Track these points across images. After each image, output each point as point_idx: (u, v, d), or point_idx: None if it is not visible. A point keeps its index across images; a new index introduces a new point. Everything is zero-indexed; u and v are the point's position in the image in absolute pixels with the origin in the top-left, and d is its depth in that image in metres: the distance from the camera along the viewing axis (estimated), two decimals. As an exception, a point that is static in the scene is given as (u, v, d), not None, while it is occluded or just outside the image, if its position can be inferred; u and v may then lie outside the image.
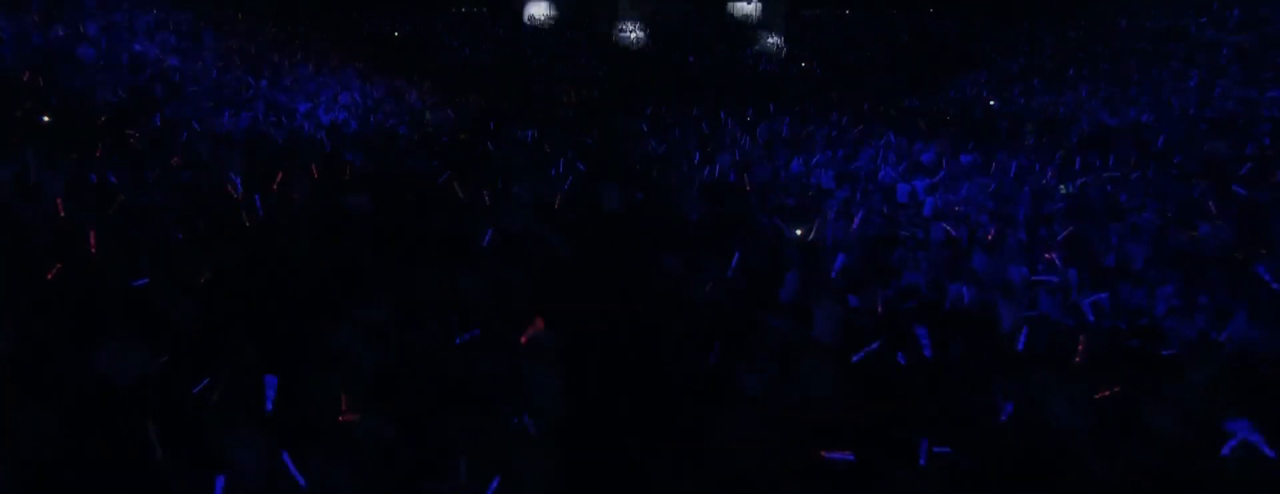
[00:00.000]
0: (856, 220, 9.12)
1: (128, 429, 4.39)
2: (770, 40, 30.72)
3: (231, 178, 9.46)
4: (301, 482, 4.02)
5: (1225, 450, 4.32)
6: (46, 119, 11.35)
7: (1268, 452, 4.26)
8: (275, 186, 9.46)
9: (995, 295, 6.71)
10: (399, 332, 5.73)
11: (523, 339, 5.77)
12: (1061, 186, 10.35)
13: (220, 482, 3.85)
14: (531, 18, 28.10)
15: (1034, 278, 7.13)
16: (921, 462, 4.31)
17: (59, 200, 7.85)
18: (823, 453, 4.53)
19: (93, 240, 7.05)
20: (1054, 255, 7.61)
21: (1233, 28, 20.98)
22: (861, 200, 10.73)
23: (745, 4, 30.83)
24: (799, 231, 8.56)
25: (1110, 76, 20.85)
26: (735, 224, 9.46)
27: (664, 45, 29.12)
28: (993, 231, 8.57)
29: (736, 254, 7.01)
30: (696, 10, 30.57)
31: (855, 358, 5.22)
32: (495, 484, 3.99)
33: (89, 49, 13.86)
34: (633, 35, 28.67)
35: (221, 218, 8.44)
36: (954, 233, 8.76)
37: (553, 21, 28.46)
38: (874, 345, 5.24)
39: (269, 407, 4.64)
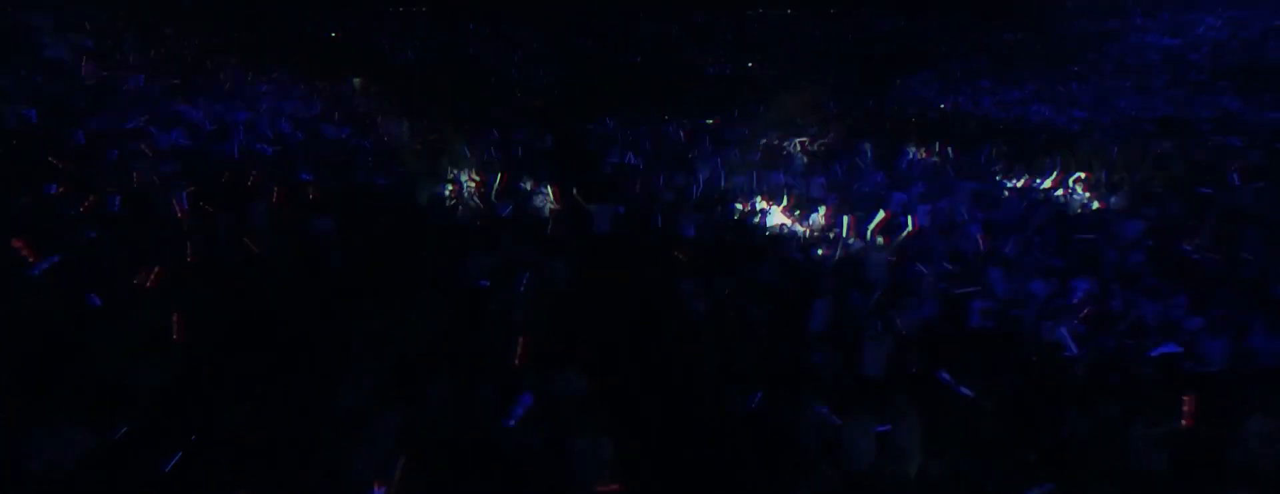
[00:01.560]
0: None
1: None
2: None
3: (179, 204, 8.46)
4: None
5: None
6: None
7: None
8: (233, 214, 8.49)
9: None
10: (427, 401, 5.07)
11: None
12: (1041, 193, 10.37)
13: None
14: None
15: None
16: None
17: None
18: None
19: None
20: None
21: (1164, 31, 22.04)
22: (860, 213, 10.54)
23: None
24: (821, 251, 8.24)
25: (1055, 78, 21.54)
26: (739, 244, 9.11)
27: (611, 47, 28.63)
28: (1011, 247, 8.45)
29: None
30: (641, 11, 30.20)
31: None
32: None
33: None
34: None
35: (173, 254, 7.52)
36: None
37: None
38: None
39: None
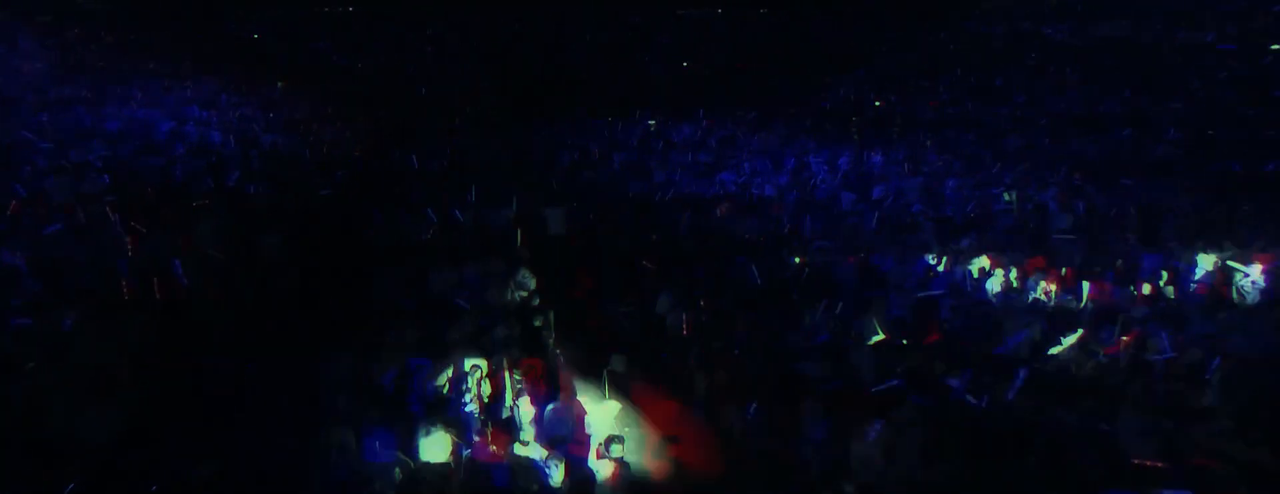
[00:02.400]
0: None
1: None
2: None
3: (116, 231, 7.83)
4: None
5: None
6: None
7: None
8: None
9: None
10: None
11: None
12: (1006, 195, 10.86)
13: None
14: None
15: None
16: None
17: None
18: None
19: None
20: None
21: (1076, 33, 23.45)
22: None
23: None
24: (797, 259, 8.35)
25: (982, 77, 22.56)
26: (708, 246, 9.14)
27: (548, 49, 28.28)
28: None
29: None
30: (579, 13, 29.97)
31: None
32: None
33: None
34: None
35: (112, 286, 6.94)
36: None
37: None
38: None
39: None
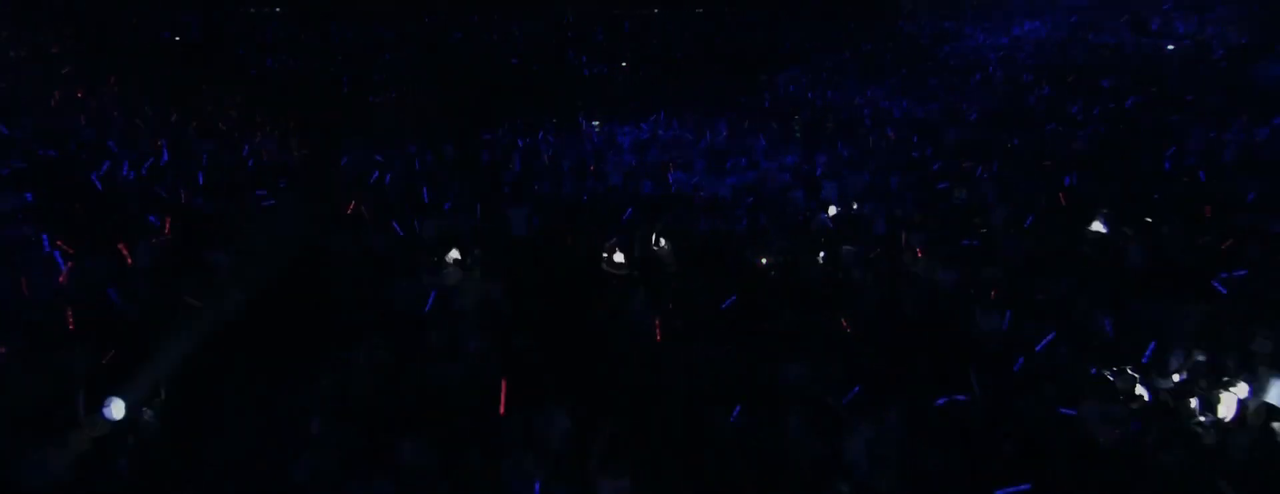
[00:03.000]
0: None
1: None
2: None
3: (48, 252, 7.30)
4: None
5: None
6: None
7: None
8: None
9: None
10: None
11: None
12: (956, 192, 11.30)
13: None
14: None
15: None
16: None
17: None
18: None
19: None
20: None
21: (994, 32, 24.59)
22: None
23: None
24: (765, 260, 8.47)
25: (910, 75, 23.41)
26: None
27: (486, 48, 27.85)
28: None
29: None
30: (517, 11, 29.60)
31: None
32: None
33: None
34: None
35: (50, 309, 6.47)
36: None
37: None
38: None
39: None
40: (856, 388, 5.41)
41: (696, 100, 23.23)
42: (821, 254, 8.89)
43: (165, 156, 11.84)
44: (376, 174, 12.20)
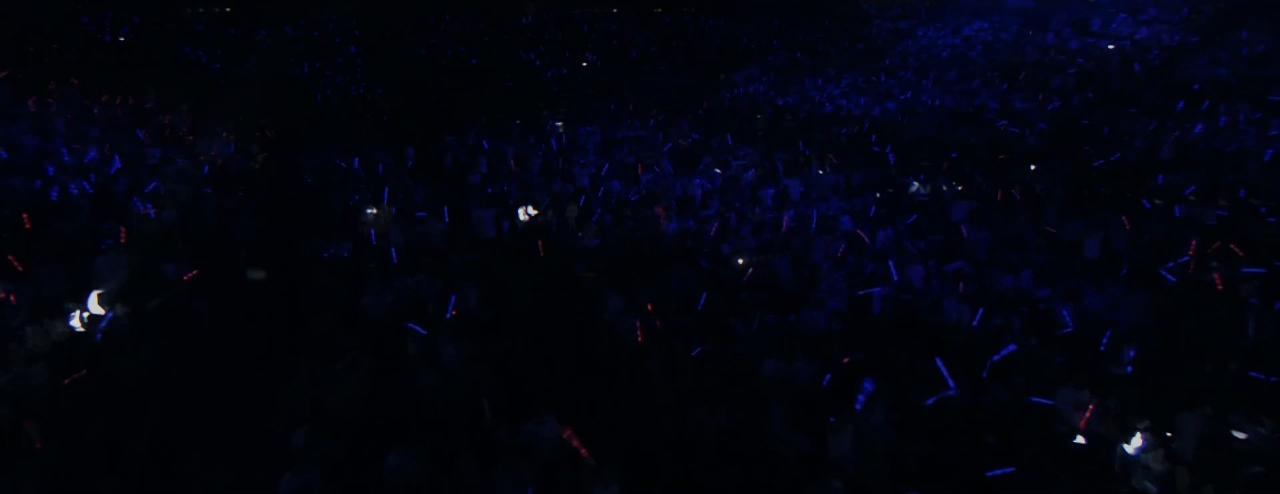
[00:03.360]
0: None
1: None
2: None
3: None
4: None
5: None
6: None
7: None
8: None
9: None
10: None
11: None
12: (915, 185, 11.61)
13: None
14: None
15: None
16: None
17: None
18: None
19: None
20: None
21: (947, 31, 25.29)
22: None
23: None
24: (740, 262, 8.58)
25: (865, 73, 23.89)
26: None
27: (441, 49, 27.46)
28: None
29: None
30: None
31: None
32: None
33: None
34: None
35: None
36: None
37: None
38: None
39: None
40: (870, 384, 5.50)
41: (658, 99, 23.39)
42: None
43: (116, 164, 11.40)
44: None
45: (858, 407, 5.11)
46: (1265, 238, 9.67)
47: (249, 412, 5.43)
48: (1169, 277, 8.07)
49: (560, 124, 20.88)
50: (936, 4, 28.56)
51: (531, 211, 9.07)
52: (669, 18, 34.14)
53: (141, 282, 7.42)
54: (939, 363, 5.52)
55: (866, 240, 9.47)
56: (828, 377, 5.99)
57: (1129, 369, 6.53)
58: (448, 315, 6.89)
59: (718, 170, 13.81)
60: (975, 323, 6.93)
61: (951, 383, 5.40)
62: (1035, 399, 5.76)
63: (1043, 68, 21.16)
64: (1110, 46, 21.71)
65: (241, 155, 13.13)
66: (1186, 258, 9.01)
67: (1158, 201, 11.17)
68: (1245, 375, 6.19)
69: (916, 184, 11.73)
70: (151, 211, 9.28)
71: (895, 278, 8.20)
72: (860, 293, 7.69)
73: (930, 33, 26.84)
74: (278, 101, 17.89)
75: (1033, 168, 13.58)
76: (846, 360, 5.49)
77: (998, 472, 4.56)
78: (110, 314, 6.51)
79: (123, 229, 8.33)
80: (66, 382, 5.74)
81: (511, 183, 13.22)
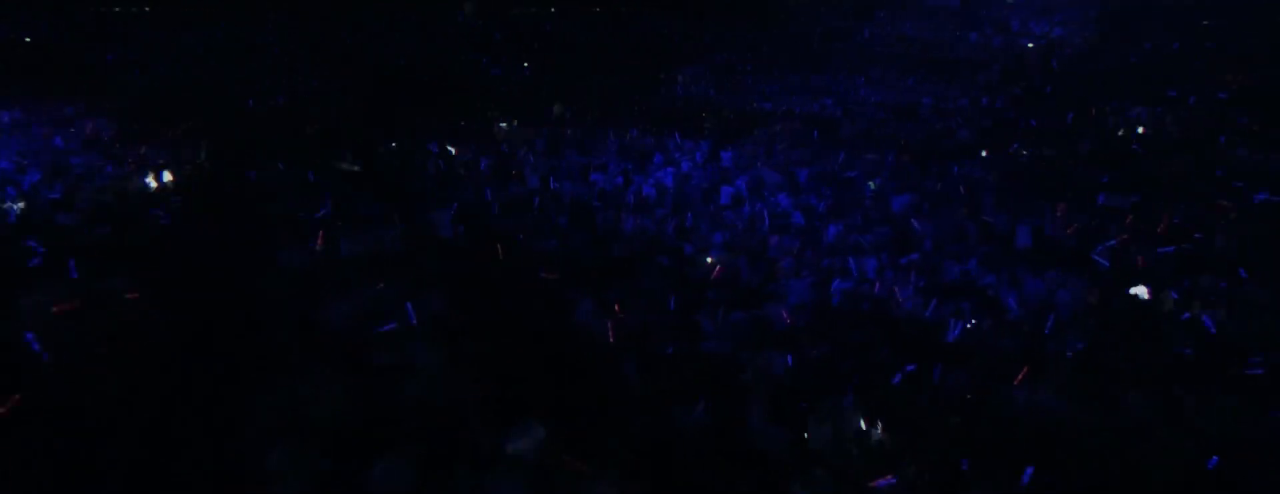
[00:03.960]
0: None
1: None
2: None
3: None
4: None
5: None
6: None
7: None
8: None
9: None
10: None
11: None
12: (870, 183, 11.99)
13: None
14: None
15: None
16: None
17: None
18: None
19: None
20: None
21: (880, 33, 26.21)
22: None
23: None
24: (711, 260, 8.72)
25: (806, 72, 24.51)
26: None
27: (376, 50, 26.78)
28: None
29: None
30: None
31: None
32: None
33: None
34: None
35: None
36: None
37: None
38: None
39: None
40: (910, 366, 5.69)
41: (599, 99, 23.39)
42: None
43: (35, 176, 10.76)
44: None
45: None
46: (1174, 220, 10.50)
47: (219, 432, 5.24)
48: (1102, 261, 8.63)
49: (504, 125, 20.67)
50: (869, 3, 29.54)
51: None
52: (609, 17, 34.21)
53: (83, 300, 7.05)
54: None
55: (823, 235, 9.79)
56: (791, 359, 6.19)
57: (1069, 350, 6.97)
58: (413, 320, 6.79)
59: (673, 168, 13.97)
60: (929, 313, 7.28)
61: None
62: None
63: (971, 65, 22.18)
64: (1030, 44, 22.98)
65: (177, 163, 12.53)
66: (1114, 242, 9.70)
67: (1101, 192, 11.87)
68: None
69: (872, 184, 12.14)
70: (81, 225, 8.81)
71: (855, 272, 8.50)
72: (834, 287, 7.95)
73: (865, 30, 27.77)
74: (208, 106, 17.13)
75: (984, 153, 14.24)
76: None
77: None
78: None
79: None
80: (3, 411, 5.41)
81: (463, 184, 13.11)
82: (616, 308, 7.81)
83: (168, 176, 11.62)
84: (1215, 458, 5.11)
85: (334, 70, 23.43)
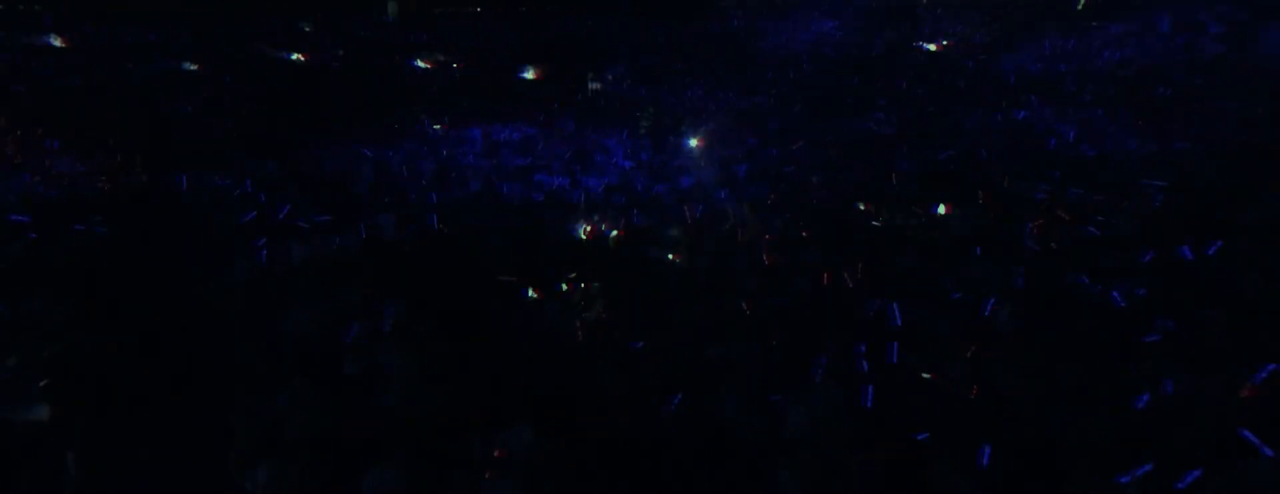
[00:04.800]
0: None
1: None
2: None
3: None
4: None
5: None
6: None
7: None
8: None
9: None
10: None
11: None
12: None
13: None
14: None
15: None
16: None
17: None
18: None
19: None
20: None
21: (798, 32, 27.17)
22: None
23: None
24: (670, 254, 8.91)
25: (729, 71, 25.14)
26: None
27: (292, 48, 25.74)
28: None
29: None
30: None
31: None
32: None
33: None
34: None
35: None
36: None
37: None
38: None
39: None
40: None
41: (528, 97, 23.28)
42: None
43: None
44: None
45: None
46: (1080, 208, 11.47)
47: (192, 457, 5.08)
48: (1033, 245, 9.37)
49: (437, 126, 20.35)
50: (788, 4, 30.48)
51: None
52: (533, 15, 33.97)
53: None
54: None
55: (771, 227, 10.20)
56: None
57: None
58: (385, 328, 6.71)
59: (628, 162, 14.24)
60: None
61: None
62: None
63: (888, 63, 23.29)
64: (944, 42, 24.30)
65: (96, 173, 11.79)
66: (1030, 227, 10.54)
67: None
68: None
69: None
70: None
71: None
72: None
73: (784, 31, 28.67)
74: (120, 111, 16.12)
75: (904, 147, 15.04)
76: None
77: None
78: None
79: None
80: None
81: (401, 186, 12.92)
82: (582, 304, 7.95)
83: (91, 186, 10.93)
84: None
85: (249, 73, 22.38)
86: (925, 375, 6.28)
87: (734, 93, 23.22)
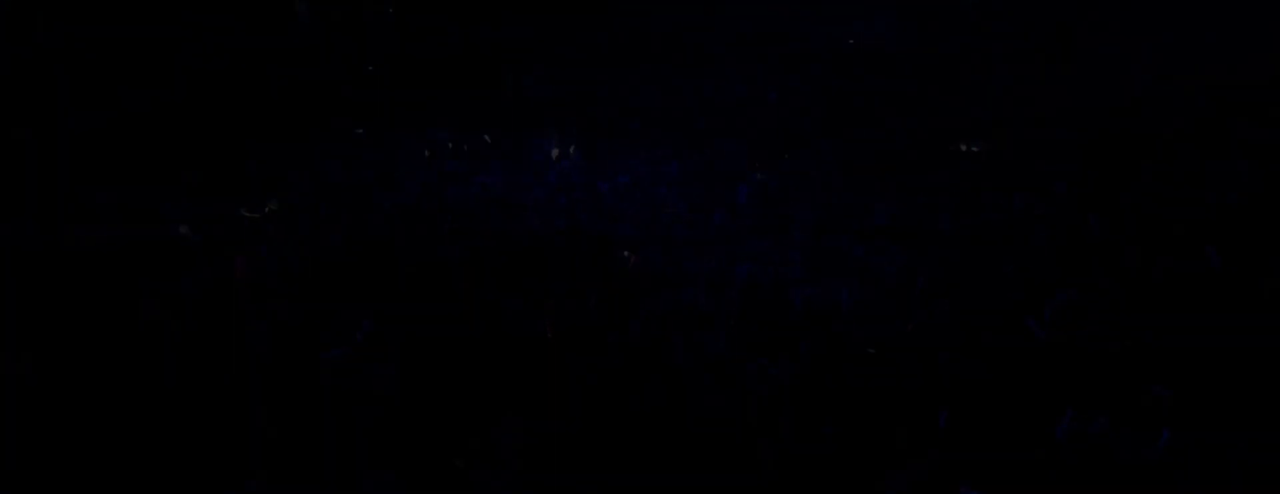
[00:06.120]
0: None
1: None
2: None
3: None
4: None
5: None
6: None
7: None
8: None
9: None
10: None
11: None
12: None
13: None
14: None
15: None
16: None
17: None
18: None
19: None
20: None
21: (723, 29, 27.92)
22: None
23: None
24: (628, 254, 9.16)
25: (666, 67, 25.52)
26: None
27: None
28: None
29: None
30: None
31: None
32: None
33: None
34: None
35: None
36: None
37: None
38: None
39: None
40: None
41: (447, 95, 22.94)
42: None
43: None
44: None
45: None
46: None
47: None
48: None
49: (360, 131, 19.88)
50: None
51: None
52: (452, 10, 33.35)
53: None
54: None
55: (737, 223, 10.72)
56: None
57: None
58: (359, 337, 6.73)
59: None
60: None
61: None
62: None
63: (812, 58, 24.29)
64: (868, 38, 25.57)
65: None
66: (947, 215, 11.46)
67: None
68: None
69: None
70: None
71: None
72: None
73: (709, 23, 29.36)
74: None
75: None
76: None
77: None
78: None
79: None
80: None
81: (336, 196, 12.72)
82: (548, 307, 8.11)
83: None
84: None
85: (156, 79, 21.08)
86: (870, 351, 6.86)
87: (656, 91, 23.57)
